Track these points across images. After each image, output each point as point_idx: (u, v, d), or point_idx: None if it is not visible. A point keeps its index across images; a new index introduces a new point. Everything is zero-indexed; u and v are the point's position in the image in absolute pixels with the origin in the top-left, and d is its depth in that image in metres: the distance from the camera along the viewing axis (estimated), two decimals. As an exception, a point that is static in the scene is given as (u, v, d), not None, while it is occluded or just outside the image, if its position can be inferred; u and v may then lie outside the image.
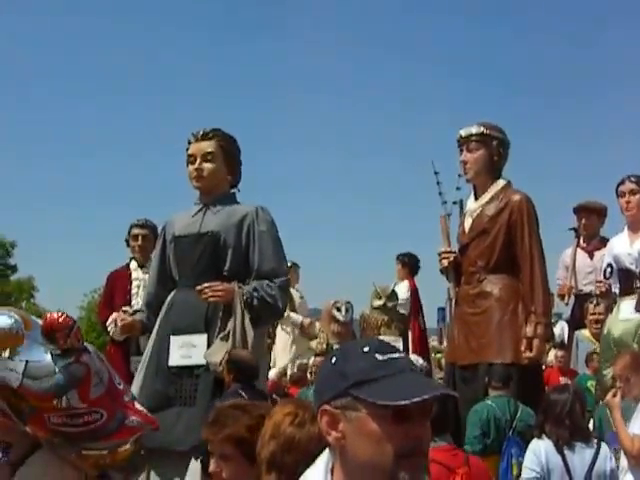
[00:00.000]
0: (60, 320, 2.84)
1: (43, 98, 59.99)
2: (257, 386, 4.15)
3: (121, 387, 3.11)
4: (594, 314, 6.12)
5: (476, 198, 4.96)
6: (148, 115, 60.87)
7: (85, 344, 2.97)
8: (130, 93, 62.52)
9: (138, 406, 3.16)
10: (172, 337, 4.19)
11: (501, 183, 4.89)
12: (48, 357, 2.85)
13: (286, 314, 8.63)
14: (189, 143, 4.42)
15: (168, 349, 4.18)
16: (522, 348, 4.61)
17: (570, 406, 3.86)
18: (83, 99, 60.86)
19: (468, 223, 4.95)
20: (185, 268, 4.32)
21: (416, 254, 9.06)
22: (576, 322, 6.72)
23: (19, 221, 50.81)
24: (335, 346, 8.42)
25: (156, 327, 4.32)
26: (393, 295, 8.68)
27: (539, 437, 3.91)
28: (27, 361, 2.79)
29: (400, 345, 8.03)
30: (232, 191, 4.52)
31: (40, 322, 2.92)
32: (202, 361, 4.09)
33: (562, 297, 6.97)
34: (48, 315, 2.90)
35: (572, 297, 6.95)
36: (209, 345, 4.10)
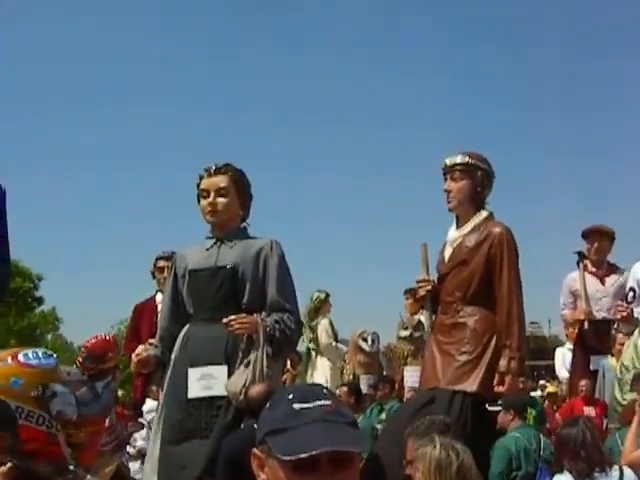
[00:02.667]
0: (107, 340, 2.92)
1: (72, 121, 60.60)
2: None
3: None
4: (623, 344, 6.05)
5: (457, 228, 4.92)
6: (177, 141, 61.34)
7: None
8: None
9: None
10: (190, 369, 4.20)
11: (483, 214, 4.83)
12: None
13: (333, 344, 8.68)
14: (201, 178, 4.47)
15: (186, 381, 4.20)
16: (494, 382, 4.54)
17: (582, 438, 3.84)
18: (113, 123, 61.48)
19: (448, 252, 4.89)
20: (202, 301, 4.34)
21: None
22: (590, 348, 6.64)
23: (45, 253, 51.40)
24: (362, 377, 8.42)
25: (172, 360, 4.35)
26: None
27: (560, 472, 3.87)
28: (72, 391, 2.82)
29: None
30: (243, 225, 4.57)
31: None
32: (223, 392, 4.11)
33: (581, 323, 6.83)
34: (98, 337, 2.95)
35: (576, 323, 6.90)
36: (230, 377, 4.12)
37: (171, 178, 57.13)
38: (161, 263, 6.71)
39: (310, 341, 8.59)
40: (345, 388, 7.69)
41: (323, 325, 8.62)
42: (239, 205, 4.47)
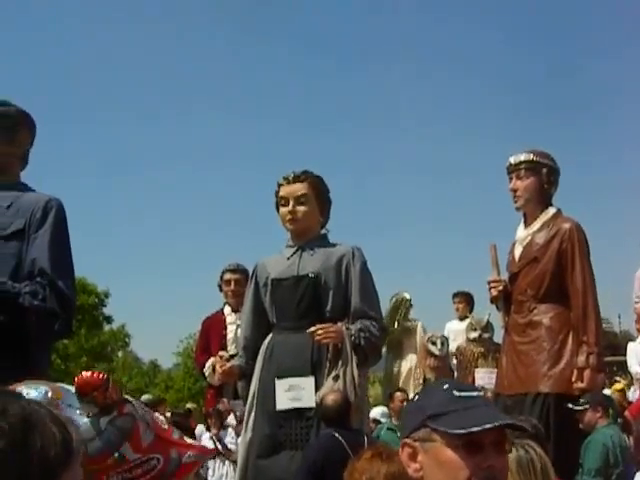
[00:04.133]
0: (94, 377, 2.85)
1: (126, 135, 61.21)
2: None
3: (166, 427, 3.11)
4: None
5: (526, 226, 4.91)
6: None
7: (125, 396, 2.97)
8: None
9: (189, 440, 3.16)
10: (277, 380, 4.18)
11: (551, 211, 4.83)
12: (86, 419, 2.82)
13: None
14: (279, 186, 4.46)
15: (273, 392, 4.18)
16: (573, 379, 4.52)
17: None
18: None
19: (518, 251, 4.90)
20: (285, 311, 4.33)
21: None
22: None
23: (112, 269, 52.19)
24: (432, 380, 8.38)
25: (258, 371, 4.33)
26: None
27: None
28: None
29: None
30: (323, 231, 4.55)
31: (71, 388, 2.91)
32: (312, 404, 4.10)
33: None
34: (80, 376, 2.88)
35: None
36: (317, 387, 4.10)
37: (237, 191, 57.47)
38: (228, 276, 6.75)
39: (398, 341, 8.68)
40: (398, 393, 8.26)
41: (421, 328, 8.82)
42: (319, 212, 4.46)
